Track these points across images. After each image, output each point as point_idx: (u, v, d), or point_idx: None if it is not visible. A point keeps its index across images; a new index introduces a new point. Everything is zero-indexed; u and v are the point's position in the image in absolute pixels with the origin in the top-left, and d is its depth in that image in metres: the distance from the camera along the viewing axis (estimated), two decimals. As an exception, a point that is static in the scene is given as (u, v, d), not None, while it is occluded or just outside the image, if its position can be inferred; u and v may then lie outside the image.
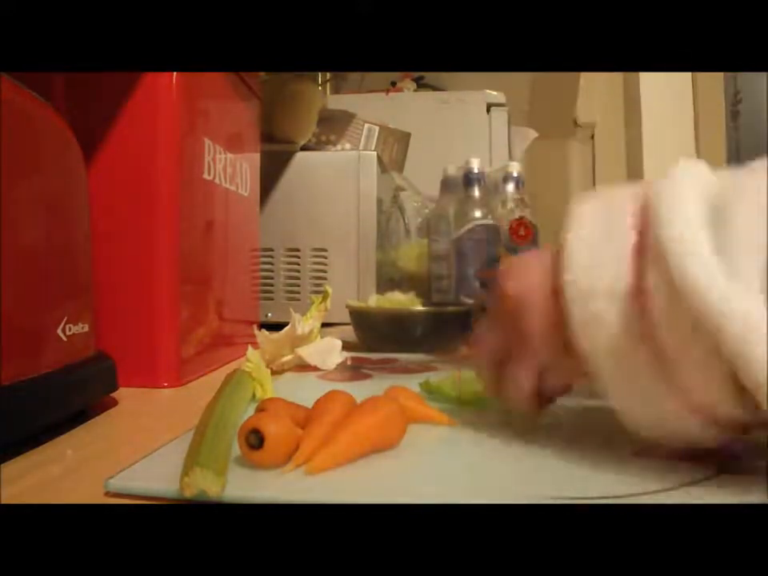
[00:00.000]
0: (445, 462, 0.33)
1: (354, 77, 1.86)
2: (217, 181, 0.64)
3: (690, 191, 0.27)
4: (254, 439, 0.28)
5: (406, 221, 1.11)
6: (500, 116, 1.50)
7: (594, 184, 1.94)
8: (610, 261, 0.28)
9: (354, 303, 0.76)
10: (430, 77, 1.83)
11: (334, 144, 1.10)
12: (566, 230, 0.31)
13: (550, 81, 1.93)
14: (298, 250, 0.99)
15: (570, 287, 0.29)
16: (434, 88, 1.78)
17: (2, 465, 0.32)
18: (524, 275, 0.34)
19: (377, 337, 0.70)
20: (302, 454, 0.29)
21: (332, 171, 0.99)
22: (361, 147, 1.15)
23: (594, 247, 0.29)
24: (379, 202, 1.01)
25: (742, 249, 0.24)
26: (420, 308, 0.76)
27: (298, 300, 0.98)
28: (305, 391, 0.48)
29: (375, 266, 0.99)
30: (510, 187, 0.97)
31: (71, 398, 0.40)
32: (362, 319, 0.73)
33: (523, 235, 0.94)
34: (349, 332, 0.72)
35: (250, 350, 0.49)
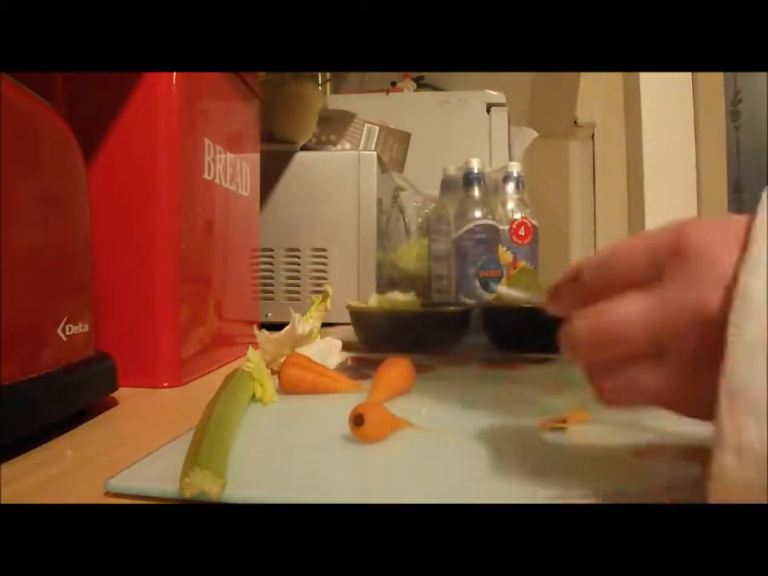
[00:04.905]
0: (439, 465, 0.33)
1: (354, 77, 1.86)
2: (217, 181, 0.64)
3: None
4: (359, 420, 0.35)
5: (406, 221, 1.11)
6: (500, 116, 1.50)
7: (593, 184, 1.94)
8: None
9: (354, 303, 0.76)
10: (430, 77, 1.83)
11: (334, 144, 1.10)
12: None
13: (550, 81, 1.93)
14: (298, 250, 0.99)
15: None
16: (434, 88, 1.78)
17: (2, 465, 0.32)
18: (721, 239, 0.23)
19: (377, 337, 0.70)
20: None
21: (332, 171, 0.99)
22: (361, 147, 1.15)
23: None
24: (379, 202, 1.01)
25: None
26: (420, 308, 0.76)
27: (298, 300, 0.98)
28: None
29: (375, 265, 0.99)
30: (510, 187, 0.97)
31: (71, 398, 0.40)
32: (361, 319, 0.73)
33: (523, 235, 0.94)
34: (349, 332, 0.72)
35: (251, 350, 0.49)
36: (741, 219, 0.23)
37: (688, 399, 0.25)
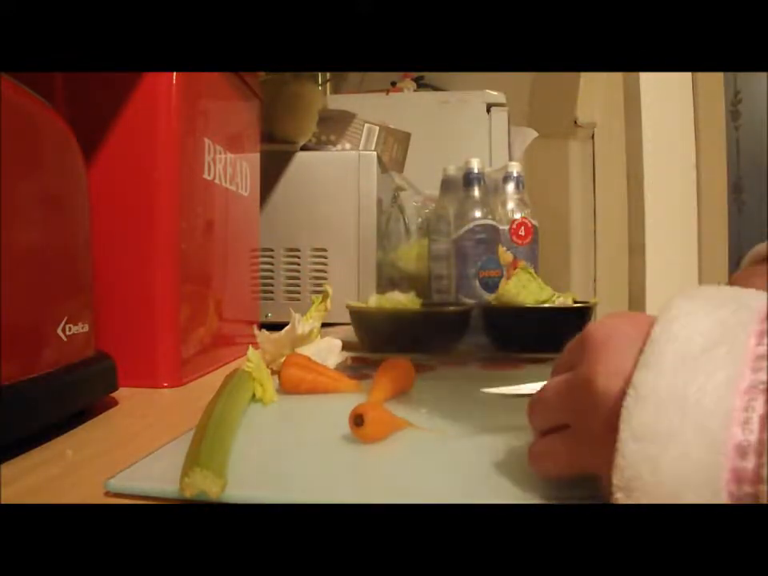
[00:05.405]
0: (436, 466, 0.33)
1: (354, 77, 1.86)
2: (217, 181, 0.64)
3: None
4: (359, 420, 0.35)
5: (406, 221, 1.11)
6: (500, 116, 1.50)
7: (593, 184, 1.94)
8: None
9: (354, 303, 0.76)
10: (430, 77, 1.83)
11: (334, 144, 1.10)
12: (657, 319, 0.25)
13: (550, 81, 1.93)
14: (298, 250, 0.99)
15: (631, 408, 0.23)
16: (434, 88, 1.78)
17: (2, 465, 0.32)
18: (619, 342, 0.26)
19: (377, 337, 0.70)
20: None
21: (332, 171, 0.99)
22: (361, 147, 1.15)
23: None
24: (379, 202, 1.01)
25: None
26: (420, 308, 0.76)
27: (298, 300, 0.98)
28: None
29: (375, 265, 0.99)
30: (510, 187, 0.97)
31: (71, 398, 0.40)
32: (361, 319, 0.73)
33: (523, 235, 0.94)
34: (349, 332, 0.72)
35: (251, 350, 0.49)
36: (647, 318, 0.26)
37: (586, 469, 0.27)
